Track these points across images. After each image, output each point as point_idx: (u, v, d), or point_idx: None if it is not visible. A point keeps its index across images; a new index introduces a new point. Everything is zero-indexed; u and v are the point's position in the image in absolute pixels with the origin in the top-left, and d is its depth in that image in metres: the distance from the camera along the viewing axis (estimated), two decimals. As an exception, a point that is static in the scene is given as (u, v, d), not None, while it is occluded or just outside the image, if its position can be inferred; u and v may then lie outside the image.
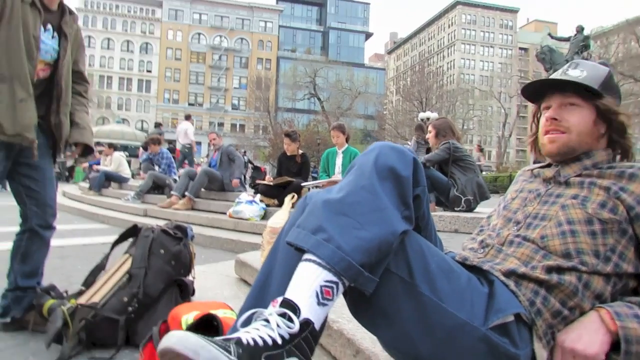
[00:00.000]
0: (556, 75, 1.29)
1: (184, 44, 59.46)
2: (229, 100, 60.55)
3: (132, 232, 2.28)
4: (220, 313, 1.62)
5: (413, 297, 0.95)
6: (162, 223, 2.40)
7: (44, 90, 2.08)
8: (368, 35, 72.45)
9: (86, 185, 10.15)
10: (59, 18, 2.11)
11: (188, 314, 1.64)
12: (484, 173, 14.81)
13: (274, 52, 62.16)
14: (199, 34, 60.42)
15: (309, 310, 0.86)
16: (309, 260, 0.89)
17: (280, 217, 2.69)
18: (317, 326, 0.87)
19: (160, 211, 6.49)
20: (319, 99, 50.08)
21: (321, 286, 0.86)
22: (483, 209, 4.63)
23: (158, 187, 7.81)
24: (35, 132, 2.00)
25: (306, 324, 0.84)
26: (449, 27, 68.98)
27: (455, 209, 4.49)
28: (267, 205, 5.61)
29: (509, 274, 1.08)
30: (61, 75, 2.09)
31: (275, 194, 5.74)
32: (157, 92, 58.59)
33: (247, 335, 0.81)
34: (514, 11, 69.56)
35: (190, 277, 2.27)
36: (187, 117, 12.67)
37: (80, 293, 2.07)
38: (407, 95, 48.04)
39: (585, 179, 1.18)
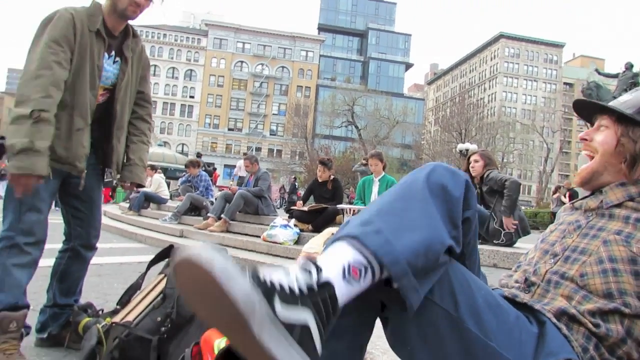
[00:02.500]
0: (611, 101, 1.29)
1: (227, 71, 61.37)
2: (268, 126, 61.70)
3: (168, 252, 2.30)
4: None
5: (458, 332, 0.89)
6: (197, 244, 2.41)
7: (101, 114, 2.08)
8: (408, 66, 72.82)
9: (126, 205, 10.43)
10: (121, 41, 2.10)
11: (220, 339, 1.61)
12: (522, 208, 14.41)
13: (313, 80, 63.23)
14: (242, 61, 62.29)
15: (334, 277, 0.79)
16: (350, 243, 0.83)
17: (316, 242, 2.66)
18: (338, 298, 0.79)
19: (196, 232, 6.57)
20: (356, 127, 50.33)
21: (349, 264, 0.80)
22: (523, 244, 4.46)
23: (195, 209, 7.94)
24: (86, 160, 2.00)
25: (326, 284, 0.77)
26: (491, 59, 68.52)
27: (494, 242, 4.35)
28: (301, 230, 5.59)
29: (560, 314, 1.02)
30: (117, 99, 2.08)
31: (309, 219, 5.73)
32: (199, 117, 60.39)
33: (266, 275, 0.75)
34: (559, 46, 68.54)
35: (223, 300, 2.25)
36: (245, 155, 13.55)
37: (115, 312, 2.08)
38: (446, 126, 47.67)
39: (631, 213, 1.10)
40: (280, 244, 5.32)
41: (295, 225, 5.61)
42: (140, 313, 1.97)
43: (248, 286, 0.70)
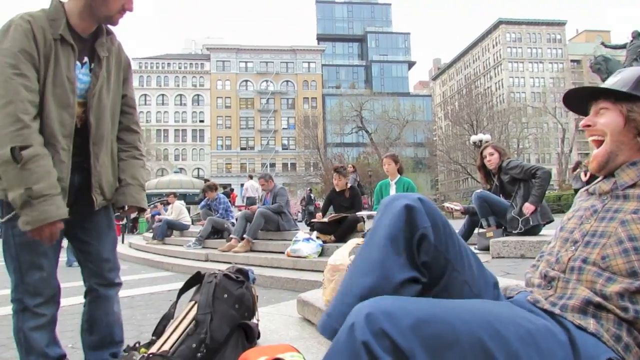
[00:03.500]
0: (599, 83, 1.27)
1: (233, 92, 62.04)
2: (279, 141, 62.04)
3: (196, 279, 2.33)
4: (287, 356, 1.60)
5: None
6: (223, 267, 2.44)
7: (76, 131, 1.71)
8: (411, 64, 72.75)
9: (150, 234, 10.57)
10: (92, 42, 1.74)
11: (258, 359, 1.63)
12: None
13: (319, 91, 63.52)
14: (246, 81, 62.93)
15: None
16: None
17: (341, 254, 2.66)
18: None
19: (221, 255, 6.63)
20: (366, 131, 50.32)
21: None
22: (549, 231, 4.40)
23: (217, 232, 8.02)
24: (70, 190, 1.69)
25: None
26: (493, 47, 68.05)
27: (513, 231, 4.31)
28: (324, 242, 5.60)
29: (586, 305, 1.02)
30: (90, 108, 1.72)
31: (331, 230, 5.74)
32: (211, 140, 61.04)
33: None
34: (561, 24, 67.79)
35: (254, 320, 2.27)
36: (251, 177, 13.55)
37: (151, 343, 2.12)
38: (457, 119, 47.37)
39: None
40: (304, 257, 5.34)
41: (317, 237, 5.62)
42: (176, 341, 2.01)
43: None
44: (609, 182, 1.19)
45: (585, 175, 10.62)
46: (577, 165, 12.30)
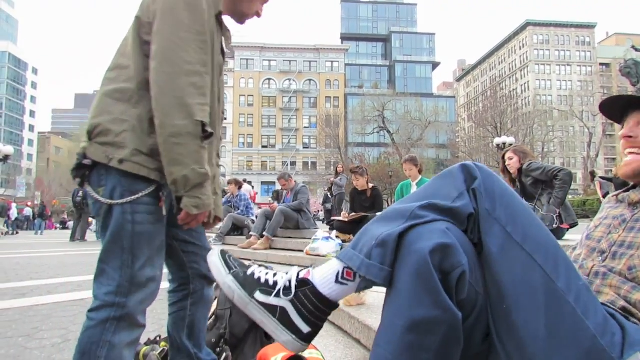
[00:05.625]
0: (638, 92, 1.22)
1: (256, 90, 62.44)
2: (300, 140, 62.21)
3: (217, 274, 2.35)
4: (306, 354, 1.62)
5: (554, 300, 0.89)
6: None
7: None
8: (435, 65, 72.07)
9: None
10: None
11: (276, 355, 1.65)
12: (569, 197, 13.84)
13: (341, 90, 63.46)
14: (269, 79, 63.25)
15: (318, 279, 1.03)
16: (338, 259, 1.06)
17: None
18: (328, 293, 1.01)
19: (241, 252, 6.68)
20: (388, 131, 50.07)
21: (343, 269, 1.01)
22: (574, 236, 4.31)
23: (237, 229, 8.08)
24: None
25: (302, 281, 1.04)
26: (520, 49, 66.97)
27: None
28: (343, 241, 5.59)
29: (611, 304, 1.00)
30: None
31: (350, 229, 5.73)
32: (233, 138, 61.55)
33: (255, 271, 1.10)
34: (590, 26, 66.32)
35: (273, 317, 2.29)
36: (244, 182, 13.67)
37: (171, 335, 2.15)
38: (480, 121, 46.73)
39: None
40: (323, 256, 5.35)
41: (336, 236, 5.63)
42: (196, 336, 2.04)
43: (229, 279, 1.08)
44: (638, 192, 1.17)
45: (601, 187, 10.15)
46: (592, 176, 11.83)
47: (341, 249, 5.45)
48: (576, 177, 49.31)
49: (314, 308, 1.03)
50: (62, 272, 5.68)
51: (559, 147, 54.14)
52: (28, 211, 32.55)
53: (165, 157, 1.26)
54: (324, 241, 5.49)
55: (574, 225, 4.35)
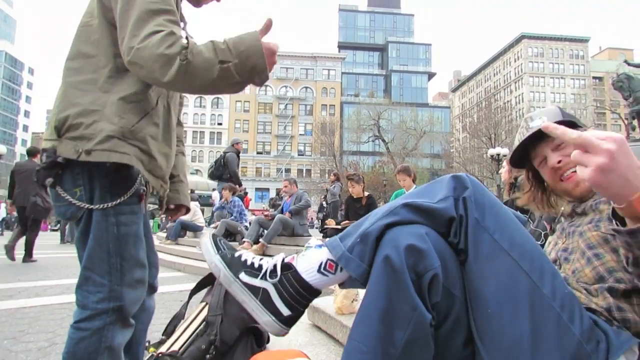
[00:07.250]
0: (524, 132, 1.29)
1: (252, 96, 62.48)
2: (295, 147, 62.24)
3: (208, 280, 2.34)
4: (296, 363, 1.59)
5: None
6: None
7: None
8: (431, 75, 72.53)
9: (164, 234, 10.65)
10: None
11: (266, 364, 1.62)
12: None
13: (337, 98, 63.65)
14: (266, 85, 63.33)
15: (302, 267, 1.10)
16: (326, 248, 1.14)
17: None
18: (310, 281, 1.08)
19: (233, 257, 6.64)
20: (383, 140, 50.19)
21: (327, 260, 1.09)
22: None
23: (230, 234, 8.03)
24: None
25: (286, 266, 1.10)
26: (515, 61, 67.56)
27: None
28: (337, 250, 5.58)
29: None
30: None
31: (344, 237, 5.72)
32: (228, 143, 61.44)
33: (243, 254, 1.15)
34: (584, 40, 67.10)
35: (264, 325, 2.26)
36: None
37: (161, 342, 2.13)
38: (475, 132, 46.99)
39: (598, 198, 1.18)
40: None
41: (329, 244, 5.61)
42: (185, 342, 2.01)
43: (216, 258, 1.13)
44: (569, 205, 1.27)
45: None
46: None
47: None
48: (569, 189, 49.55)
49: (295, 292, 1.08)
50: (52, 274, 5.61)
51: (552, 159, 54.40)
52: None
53: (242, 74, 1.25)
54: (317, 249, 5.46)
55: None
